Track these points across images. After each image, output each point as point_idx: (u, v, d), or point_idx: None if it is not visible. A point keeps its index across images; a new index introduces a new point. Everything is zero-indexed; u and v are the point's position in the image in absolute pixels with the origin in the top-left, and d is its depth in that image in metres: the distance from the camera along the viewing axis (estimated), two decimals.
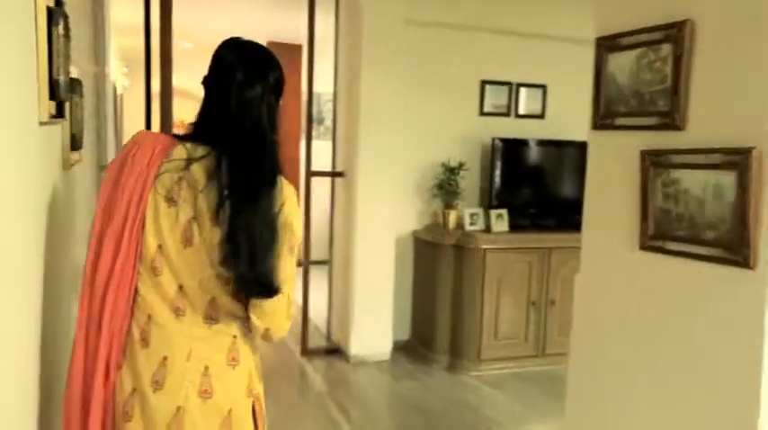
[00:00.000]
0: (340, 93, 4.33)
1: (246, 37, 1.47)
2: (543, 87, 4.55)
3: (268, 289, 1.30)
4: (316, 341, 4.45)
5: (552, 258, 4.14)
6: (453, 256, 4.04)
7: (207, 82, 1.39)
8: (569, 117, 4.46)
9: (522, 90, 4.51)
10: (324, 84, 4.62)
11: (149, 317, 1.33)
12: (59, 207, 1.64)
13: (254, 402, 1.42)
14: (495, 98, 4.46)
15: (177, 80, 9.91)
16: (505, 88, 4.46)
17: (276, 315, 1.34)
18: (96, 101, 3.05)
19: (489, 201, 4.28)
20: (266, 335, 1.37)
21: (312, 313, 4.86)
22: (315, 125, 4.66)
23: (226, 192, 1.28)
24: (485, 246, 3.97)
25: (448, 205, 4.20)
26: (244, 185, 1.29)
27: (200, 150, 1.33)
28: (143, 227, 1.32)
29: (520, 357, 4.13)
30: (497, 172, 4.26)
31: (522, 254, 4.08)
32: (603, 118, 1.87)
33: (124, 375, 1.34)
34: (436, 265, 4.09)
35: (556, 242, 4.13)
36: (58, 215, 1.63)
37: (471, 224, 4.13)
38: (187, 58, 9.33)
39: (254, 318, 1.34)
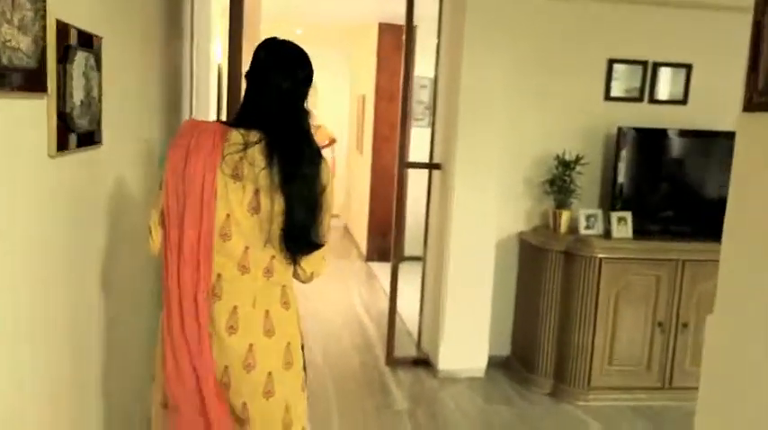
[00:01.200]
0: (441, 77, 3.88)
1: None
2: (687, 67, 3.79)
3: (314, 245, 1.65)
4: (404, 348, 4.07)
5: (686, 272, 3.43)
6: (563, 264, 3.47)
7: (248, 76, 1.65)
8: (719, 102, 3.69)
9: (661, 70, 3.79)
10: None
11: (219, 275, 1.60)
12: (40, 201, 1.38)
13: (301, 335, 1.75)
14: (626, 80, 3.78)
15: None
16: (639, 68, 3.77)
17: (318, 260, 1.72)
18: (173, 81, 2.85)
19: (611, 201, 3.63)
20: (310, 278, 1.74)
21: (405, 314, 4.51)
22: (426, 112, 4.28)
23: (284, 170, 1.57)
24: (601, 255, 3.35)
25: (560, 204, 3.61)
26: (295, 164, 1.58)
27: (253, 135, 1.59)
28: (215, 200, 1.55)
29: (639, 388, 3.47)
30: (623, 167, 3.60)
31: (649, 265, 3.41)
32: (764, 94, 1.29)
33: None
34: (542, 274, 3.54)
35: (692, 253, 3.42)
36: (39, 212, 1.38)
37: (587, 228, 3.52)
38: (299, 44, 9.32)
39: (304, 264, 1.69)
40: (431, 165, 3.85)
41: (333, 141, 7.94)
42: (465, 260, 3.65)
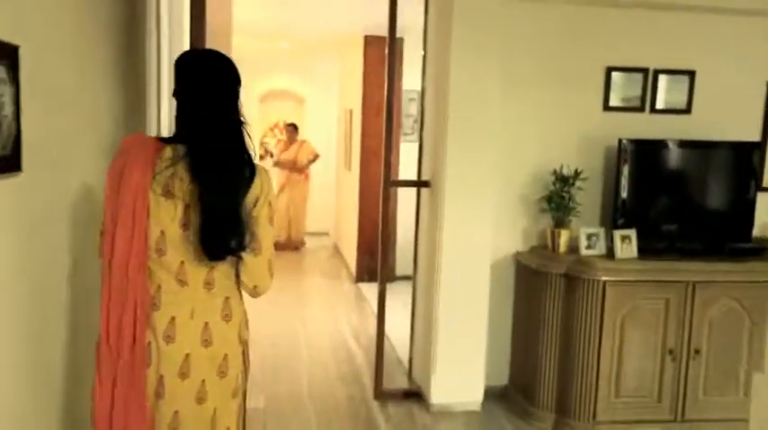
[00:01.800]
0: (428, 88, 3.64)
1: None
2: (690, 74, 3.57)
3: (230, 250, 1.64)
4: (395, 379, 3.79)
5: (697, 294, 3.17)
6: (563, 288, 3.21)
7: (175, 93, 1.70)
8: (724, 111, 3.46)
9: (662, 78, 3.56)
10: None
11: (159, 286, 1.65)
12: None
13: (243, 347, 1.79)
14: (625, 88, 3.55)
15: (276, 82, 9.72)
16: (639, 76, 3.54)
17: (259, 273, 1.72)
18: (132, 90, 2.58)
19: (613, 218, 3.38)
20: (254, 292, 1.76)
21: (396, 339, 4.23)
22: (415, 126, 4.05)
23: (202, 182, 1.60)
24: (605, 278, 3.09)
25: (559, 223, 3.36)
26: (212, 176, 1.60)
27: (181, 149, 1.62)
28: (147, 218, 1.60)
29: (649, 421, 3.20)
30: (625, 182, 3.36)
31: (656, 287, 3.16)
32: None
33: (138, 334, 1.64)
34: (541, 298, 3.27)
35: (702, 273, 3.16)
36: None
37: (588, 247, 3.26)
38: (285, 58, 9.08)
39: (243, 277, 1.71)
40: (419, 183, 3.59)
41: (316, 157, 7.98)
42: (457, 283, 3.38)
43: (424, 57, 3.71)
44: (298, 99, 9.40)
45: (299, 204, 8.04)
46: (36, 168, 1.58)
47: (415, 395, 3.58)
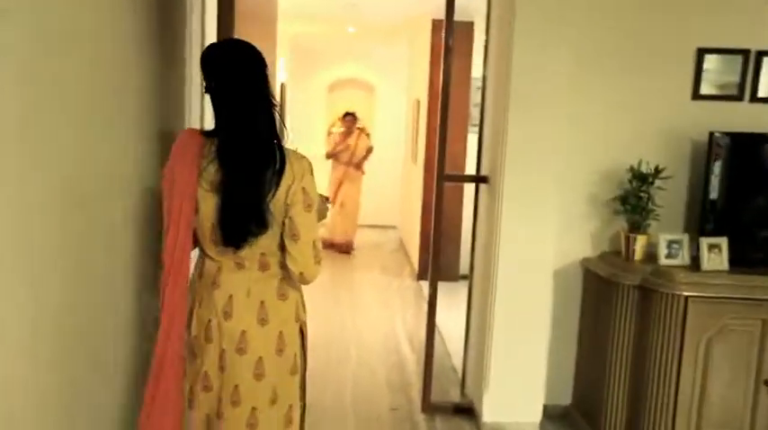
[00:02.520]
0: (489, 76, 3.30)
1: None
2: None
3: (248, 235, 1.73)
4: (447, 390, 3.51)
5: None
6: (637, 302, 2.80)
7: (206, 89, 1.78)
8: None
9: (767, 61, 3.05)
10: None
11: (219, 268, 1.80)
12: None
13: (301, 326, 1.90)
14: (721, 74, 3.07)
15: (345, 70, 9.54)
16: (738, 59, 3.05)
17: (304, 260, 1.78)
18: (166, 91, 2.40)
19: (700, 223, 2.93)
20: (301, 278, 1.81)
21: (453, 346, 3.94)
22: None
23: (225, 172, 1.72)
24: (688, 292, 2.67)
25: (635, 227, 2.95)
26: (231, 163, 1.71)
27: (216, 143, 1.75)
28: (195, 214, 1.74)
29: None
30: (715, 181, 2.90)
31: (750, 306, 2.70)
32: None
33: (202, 312, 1.81)
34: (611, 311, 2.88)
35: None
36: None
37: (669, 256, 2.84)
38: (353, 45, 8.86)
39: (288, 264, 1.79)
40: (476, 178, 3.26)
41: (369, 151, 7.29)
42: (516, 290, 3.04)
43: (486, 42, 3.38)
44: (367, 87, 9.20)
45: (353, 203, 7.29)
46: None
47: (467, 411, 3.28)
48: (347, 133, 7.19)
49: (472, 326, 3.49)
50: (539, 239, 3.02)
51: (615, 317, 2.86)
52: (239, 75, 1.71)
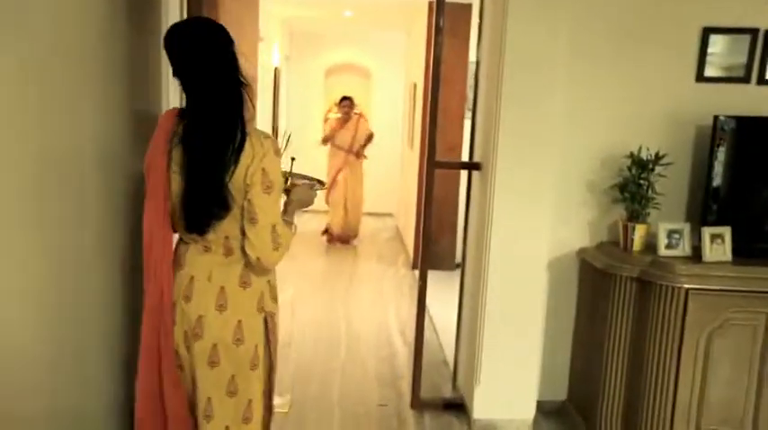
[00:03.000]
0: (483, 58, 3.14)
1: None
2: None
3: (210, 214, 1.69)
4: (437, 385, 3.39)
5: None
6: (635, 294, 2.67)
7: (173, 72, 1.74)
8: None
9: None
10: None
11: (187, 249, 1.79)
12: None
13: (266, 317, 1.82)
14: (727, 54, 2.91)
15: (341, 55, 9.36)
16: (745, 38, 2.89)
17: (261, 245, 1.70)
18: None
19: (702, 212, 2.79)
20: (258, 264, 1.73)
21: (446, 337, 3.83)
22: None
23: (185, 153, 1.70)
24: (688, 284, 2.53)
25: (634, 216, 2.81)
26: (192, 143, 1.68)
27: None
28: (166, 195, 1.71)
29: None
30: (719, 168, 2.75)
31: (753, 299, 2.56)
32: None
33: (172, 293, 1.78)
34: (608, 304, 2.75)
35: None
36: None
37: (669, 247, 2.70)
38: (350, 29, 8.67)
39: (246, 248, 1.71)
40: (468, 165, 3.11)
41: (370, 138, 6.95)
42: (508, 282, 2.91)
43: (481, 23, 3.22)
44: (364, 72, 9.02)
45: (356, 191, 6.97)
46: None
47: (458, 406, 3.17)
48: (345, 119, 6.83)
49: (464, 319, 3.36)
50: (532, 229, 2.88)
51: (612, 310, 2.73)
52: (198, 55, 1.66)
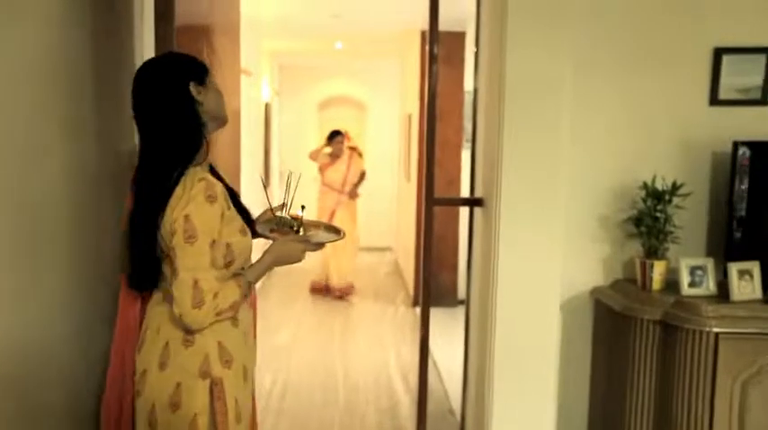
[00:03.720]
0: (481, 86, 2.96)
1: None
2: None
3: (141, 272, 1.61)
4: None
5: None
6: (658, 339, 2.43)
7: None
8: None
9: None
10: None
11: (150, 299, 1.68)
12: None
13: (211, 385, 1.57)
14: (741, 76, 2.71)
15: (335, 87, 9.24)
16: (760, 58, 2.70)
17: (180, 300, 1.52)
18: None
19: (726, 246, 2.57)
20: (182, 324, 1.55)
21: (451, 383, 3.57)
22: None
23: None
24: (718, 328, 2.29)
25: (651, 252, 2.58)
26: (135, 201, 1.62)
27: None
28: None
29: None
30: (742, 198, 2.54)
31: None
32: None
33: None
34: (629, 351, 2.50)
35: None
36: None
37: (692, 285, 2.47)
38: (342, 61, 8.56)
39: (173, 303, 1.55)
40: (470, 201, 2.90)
41: (362, 177, 6.35)
42: (518, 325, 2.66)
43: (477, 50, 3.05)
44: (358, 105, 8.90)
45: (350, 234, 5.97)
46: None
47: None
48: (336, 155, 6.21)
49: (470, 365, 3.11)
50: (542, 268, 2.65)
51: (633, 356, 2.49)
52: (140, 96, 1.62)
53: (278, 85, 8.17)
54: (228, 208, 1.60)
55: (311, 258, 5.39)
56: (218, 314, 1.55)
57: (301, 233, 1.82)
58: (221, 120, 1.70)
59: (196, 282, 1.51)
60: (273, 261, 1.68)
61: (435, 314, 3.07)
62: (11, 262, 1.47)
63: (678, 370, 2.35)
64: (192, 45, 2.31)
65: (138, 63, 2.34)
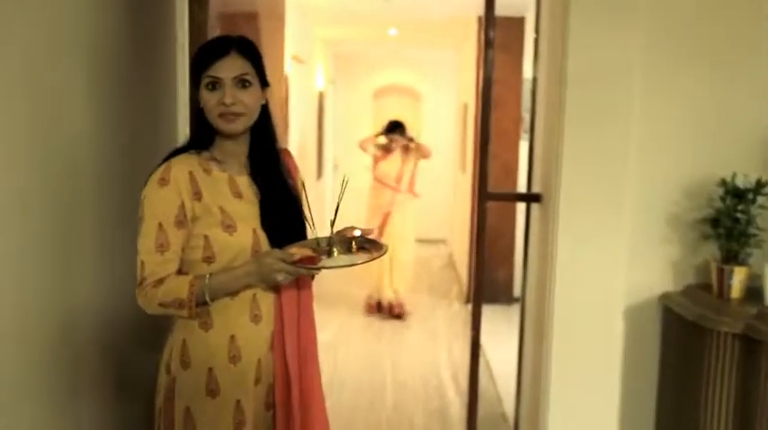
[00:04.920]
0: (541, 77, 2.76)
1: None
2: None
3: None
4: None
5: None
6: (739, 354, 2.18)
7: None
8: None
9: None
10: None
11: None
12: None
13: (167, 383, 1.52)
14: None
15: (389, 76, 9.08)
16: None
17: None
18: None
19: None
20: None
21: (504, 385, 3.41)
22: None
23: None
24: None
25: (730, 256, 2.33)
26: None
27: None
28: None
29: None
30: None
31: None
32: None
33: None
34: (703, 365, 2.26)
35: None
36: None
37: None
38: (397, 48, 8.37)
39: None
40: (526, 197, 2.71)
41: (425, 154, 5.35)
42: (577, 331, 2.47)
43: (537, 36, 2.85)
44: (414, 94, 8.72)
45: (405, 242, 5.15)
46: None
47: None
48: (387, 149, 5.20)
49: (525, 370, 2.94)
50: (604, 270, 2.45)
51: (708, 371, 2.25)
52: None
53: (333, 73, 8.09)
54: (198, 198, 1.47)
55: (365, 270, 4.73)
56: (162, 305, 1.46)
57: (334, 255, 1.51)
58: (217, 128, 1.51)
59: (142, 263, 1.47)
60: (246, 272, 1.46)
61: (490, 311, 2.92)
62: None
63: (763, 390, 2.11)
64: (235, 30, 2.23)
65: (177, 50, 2.32)
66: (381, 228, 5.00)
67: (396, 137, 5.15)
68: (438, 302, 5.67)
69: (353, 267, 1.51)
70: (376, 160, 5.28)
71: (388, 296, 5.14)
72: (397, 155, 5.18)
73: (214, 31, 1.99)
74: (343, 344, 4.38)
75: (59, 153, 1.58)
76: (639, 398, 2.59)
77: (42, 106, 1.50)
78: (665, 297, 2.52)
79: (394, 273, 5.10)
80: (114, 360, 1.92)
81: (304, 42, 5.53)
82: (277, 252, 1.46)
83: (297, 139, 5.30)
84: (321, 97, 6.88)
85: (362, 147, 5.36)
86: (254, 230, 1.50)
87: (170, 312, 1.47)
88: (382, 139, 5.25)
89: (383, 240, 4.34)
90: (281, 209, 1.56)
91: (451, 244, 7.85)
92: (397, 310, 5.15)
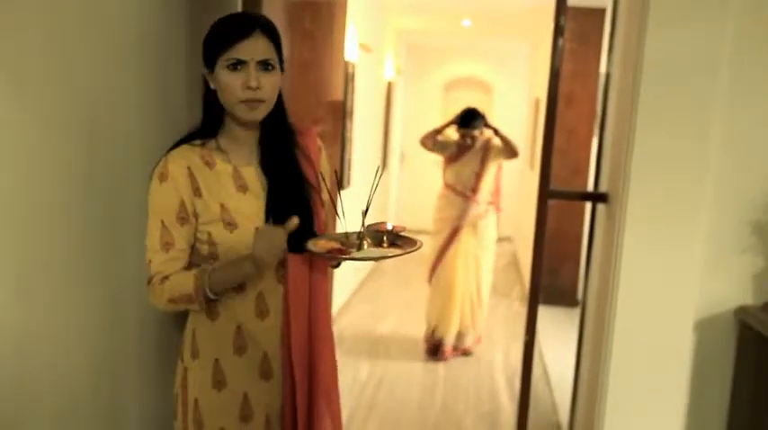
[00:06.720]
0: (614, 72, 2.59)
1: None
2: None
3: None
4: None
5: None
6: None
7: None
8: None
9: None
10: None
11: None
12: None
13: (182, 372, 1.51)
14: None
15: (461, 68, 8.91)
16: None
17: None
18: None
19: None
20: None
21: (561, 391, 3.25)
22: None
23: None
24: None
25: None
26: None
27: None
28: None
29: None
30: None
31: None
32: None
33: None
34: None
35: None
36: None
37: None
38: (469, 40, 8.19)
39: None
40: (592, 196, 2.55)
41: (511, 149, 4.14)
42: (640, 342, 2.30)
43: (613, 28, 2.67)
44: (485, 88, 8.52)
45: (479, 270, 4.14)
46: None
47: None
48: (462, 148, 4.04)
49: (581, 379, 2.78)
50: (674, 277, 2.26)
51: None
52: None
53: (404, 64, 8.01)
54: (198, 194, 1.40)
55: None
56: (172, 301, 1.42)
57: (364, 249, 1.41)
58: (234, 114, 1.42)
59: (149, 262, 1.43)
60: (242, 257, 1.37)
61: (552, 314, 2.78)
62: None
63: None
64: (293, 15, 2.18)
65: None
66: (444, 247, 3.96)
67: (471, 132, 3.95)
68: (498, 302, 5.51)
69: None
70: (447, 161, 4.11)
71: (448, 335, 4.02)
72: (474, 154, 4.00)
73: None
74: (397, 338, 4.32)
75: (105, 154, 1.51)
76: (708, 419, 2.40)
77: (86, 106, 1.43)
78: (741, 310, 2.31)
79: (465, 307, 4.04)
80: (163, 349, 1.90)
81: (373, 30, 5.48)
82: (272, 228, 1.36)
83: (360, 128, 5.27)
84: (390, 87, 6.82)
85: (424, 143, 4.13)
86: (257, 228, 1.39)
87: (182, 307, 1.43)
88: (452, 133, 4.09)
89: (448, 266, 3.76)
90: (289, 203, 1.44)
91: (516, 242, 7.64)
92: (462, 348, 4.13)
